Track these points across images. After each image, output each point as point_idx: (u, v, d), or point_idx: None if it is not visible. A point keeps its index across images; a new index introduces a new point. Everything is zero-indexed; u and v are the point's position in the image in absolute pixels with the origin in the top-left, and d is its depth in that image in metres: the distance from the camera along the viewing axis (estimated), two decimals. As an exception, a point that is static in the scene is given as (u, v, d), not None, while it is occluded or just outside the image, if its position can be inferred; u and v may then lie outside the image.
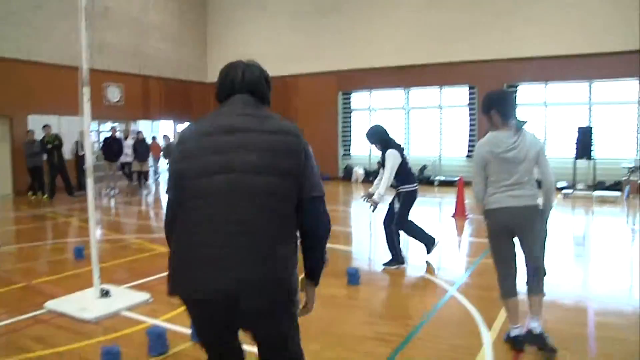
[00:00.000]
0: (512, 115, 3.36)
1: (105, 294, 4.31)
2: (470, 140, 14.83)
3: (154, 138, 16.04)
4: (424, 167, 15.26)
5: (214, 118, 1.91)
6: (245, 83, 1.98)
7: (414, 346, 3.48)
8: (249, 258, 1.69)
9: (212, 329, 1.84)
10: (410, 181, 5.59)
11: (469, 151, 14.82)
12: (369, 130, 5.75)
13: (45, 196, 12.10)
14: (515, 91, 14.06)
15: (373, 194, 5.50)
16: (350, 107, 16.88)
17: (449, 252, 6.64)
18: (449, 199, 11.30)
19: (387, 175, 5.39)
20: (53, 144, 12.23)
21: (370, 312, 4.28)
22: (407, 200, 5.56)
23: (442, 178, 14.73)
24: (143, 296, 4.33)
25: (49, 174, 12.22)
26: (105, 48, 14.98)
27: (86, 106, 4.22)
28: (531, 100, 13.99)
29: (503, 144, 3.27)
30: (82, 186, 13.16)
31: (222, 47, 18.63)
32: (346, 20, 16.23)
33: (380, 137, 5.63)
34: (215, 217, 1.72)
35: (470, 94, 14.88)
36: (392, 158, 5.42)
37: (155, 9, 16.94)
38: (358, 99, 16.83)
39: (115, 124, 15.26)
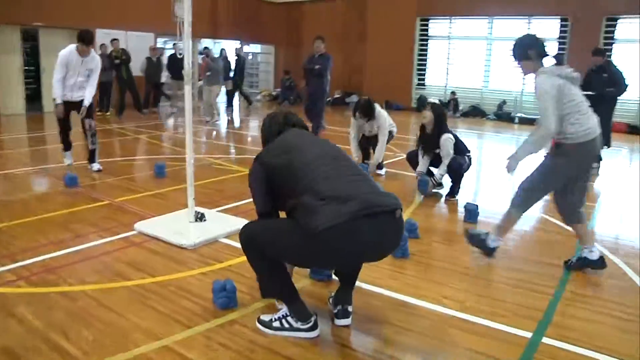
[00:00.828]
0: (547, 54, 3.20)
1: (200, 217, 3.87)
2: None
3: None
4: (503, 103, 14.30)
5: None
6: None
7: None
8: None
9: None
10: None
11: (553, 88, 13.79)
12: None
13: (109, 113, 11.83)
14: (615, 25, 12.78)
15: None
16: (427, 35, 15.79)
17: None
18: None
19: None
20: (121, 58, 11.85)
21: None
22: None
23: (522, 115, 13.74)
24: (240, 222, 3.86)
25: (118, 89, 11.90)
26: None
27: (187, 21, 3.64)
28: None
29: (565, 70, 3.11)
30: (150, 103, 12.99)
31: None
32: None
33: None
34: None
35: (561, 26, 13.59)
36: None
37: None
38: (437, 26, 15.68)
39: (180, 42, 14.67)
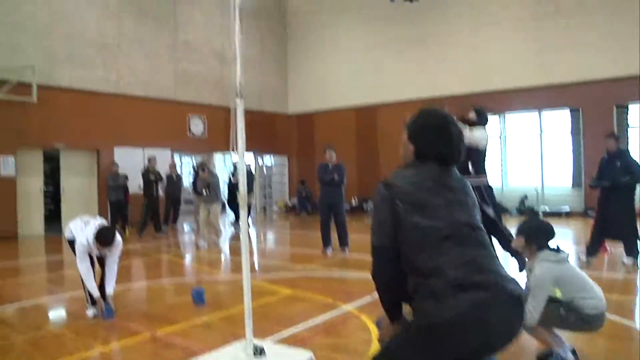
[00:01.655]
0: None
1: (259, 352, 3.51)
2: (574, 168, 13.69)
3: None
4: (524, 198, 14.15)
5: None
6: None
7: None
8: None
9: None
10: None
11: (573, 180, 13.73)
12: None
13: (127, 232, 11.61)
14: (627, 112, 12.92)
15: None
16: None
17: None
18: (561, 231, 10.17)
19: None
20: (156, 177, 11.86)
21: None
22: None
23: (547, 209, 13.53)
24: (304, 354, 3.49)
25: (144, 208, 11.70)
26: (188, 79, 14.89)
27: (241, 141, 3.50)
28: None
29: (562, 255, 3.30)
30: (170, 220, 12.85)
31: (302, 77, 18.35)
32: (432, 46, 15.48)
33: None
34: None
35: (572, 117, 13.73)
36: None
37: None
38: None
39: (200, 157, 14.88)
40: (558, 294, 3.30)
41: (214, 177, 10.19)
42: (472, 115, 5.99)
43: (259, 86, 17.51)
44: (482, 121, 6.00)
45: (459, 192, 1.98)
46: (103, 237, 4.67)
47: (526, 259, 3.65)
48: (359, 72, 16.94)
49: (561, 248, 3.34)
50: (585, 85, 13.00)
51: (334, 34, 17.64)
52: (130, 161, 13.10)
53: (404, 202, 1.89)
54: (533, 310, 3.12)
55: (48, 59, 12.05)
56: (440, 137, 2.00)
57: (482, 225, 1.98)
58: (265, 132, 17.20)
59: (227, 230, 11.97)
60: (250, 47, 17.13)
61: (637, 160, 6.80)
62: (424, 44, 15.64)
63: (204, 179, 9.80)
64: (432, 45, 15.49)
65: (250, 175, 14.25)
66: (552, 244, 3.38)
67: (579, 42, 13.09)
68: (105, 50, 13.22)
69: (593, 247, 6.91)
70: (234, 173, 12.85)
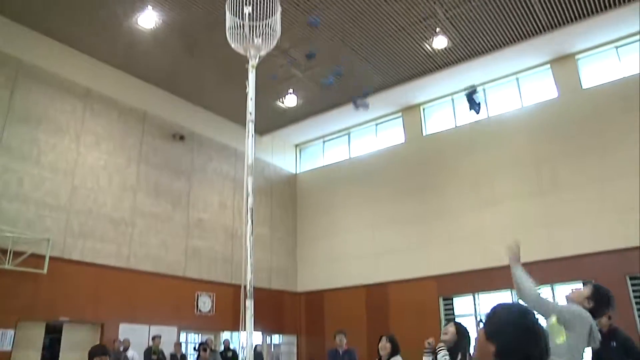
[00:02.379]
0: None
1: None
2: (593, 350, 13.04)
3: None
4: None
5: None
6: None
7: None
8: None
9: None
10: None
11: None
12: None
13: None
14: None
15: None
16: (453, 313, 15.55)
17: None
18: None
19: None
20: (158, 357, 11.46)
21: None
22: None
23: None
24: None
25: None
26: (198, 256, 15.03)
27: (249, 321, 3.55)
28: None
29: None
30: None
31: (311, 255, 18.53)
32: (439, 224, 15.83)
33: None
34: None
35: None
36: None
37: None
38: (462, 304, 15.56)
39: (210, 336, 14.39)
40: None
41: (216, 357, 9.98)
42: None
43: (269, 264, 17.60)
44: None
45: None
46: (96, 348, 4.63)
47: None
48: (367, 250, 17.10)
49: None
50: (595, 256, 12.97)
51: (342, 214, 18.19)
52: (135, 338, 12.65)
53: None
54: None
55: (63, 232, 12.33)
56: (527, 335, 1.83)
57: None
58: (274, 310, 16.86)
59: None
60: (260, 226, 17.57)
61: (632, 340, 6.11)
62: (430, 222, 16.01)
63: (205, 359, 9.63)
64: (439, 222, 15.84)
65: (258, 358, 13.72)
66: None
67: (581, 214, 13.36)
68: (119, 225, 13.58)
69: None
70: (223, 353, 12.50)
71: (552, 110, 14.66)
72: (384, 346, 6.12)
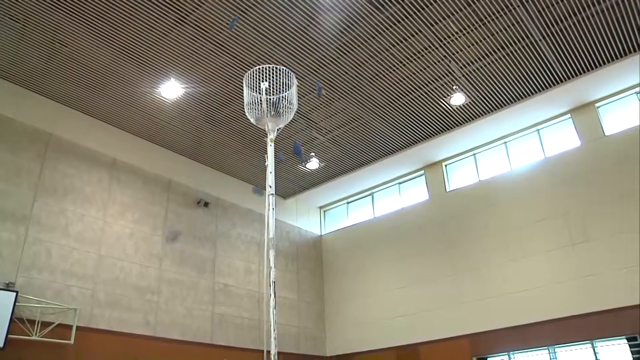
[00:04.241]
0: None
1: None
2: (644, 406, 12.33)
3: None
4: None
5: None
6: None
7: None
8: None
9: None
10: None
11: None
12: None
13: None
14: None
15: None
16: (489, 375, 14.94)
17: None
18: None
19: None
20: None
21: None
22: None
23: None
24: None
25: None
26: (224, 323, 14.87)
27: None
28: None
29: None
30: None
31: (339, 318, 18.20)
32: (469, 281, 15.47)
33: None
34: None
35: (631, 346, 12.83)
36: None
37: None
38: (496, 363, 14.97)
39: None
40: None
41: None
42: None
43: (297, 329, 17.28)
44: None
45: None
46: None
47: None
48: (396, 311, 16.71)
49: None
50: (636, 309, 12.42)
51: (369, 274, 17.93)
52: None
53: None
54: None
55: (90, 301, 12.35)
56: None
57: None
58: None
59: None
60: (287, 290, 17.39)
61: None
62: (459, 279, 15.65)
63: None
64: (468, 279, 15.48)
65: None
66: None
67: (616, 265, 12.91)
68: (145, 294, 13.57)
69: None
70: None
71: (576, 159, 14.51)
72: None
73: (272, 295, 3.64)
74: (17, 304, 10.68)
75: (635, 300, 12.48)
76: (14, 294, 10.72)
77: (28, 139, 12.44)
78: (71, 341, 11.40)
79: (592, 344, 13.37)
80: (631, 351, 12.72)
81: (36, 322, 10.97)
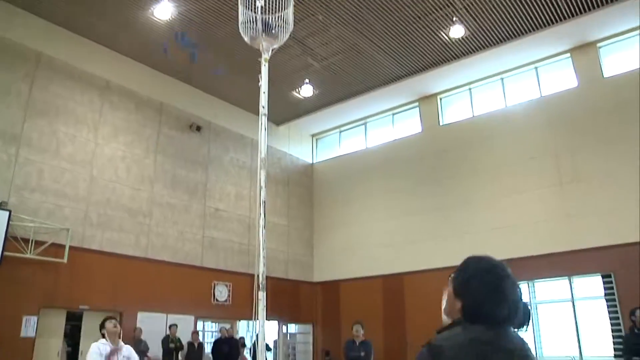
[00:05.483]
0: None
1: None
2: (614, 336, 12.92)
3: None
4: (562, 369, 13.27)
5: None
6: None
7: None
8: None
9: None
10: None
11: (614, 349, 12.87)
12: None
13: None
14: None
15: None
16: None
17: None
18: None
19: None
20: (176, 345, 11.66)
21: None
22: None
23: (590, 382, 12.60)
24: None
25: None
26: (215, 246, 15.15)
27: (261, 311, 3.66)
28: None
29: None
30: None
31: (328, 245, 18.59)
32: (456, 215, 15.74)
33: None
34: None
35: (605, 283, 13.31)
36: None
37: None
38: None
39: (227, 325, 14.52)
40: None
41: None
42: None
43: (285, 254, 17.70)
44: None
45: (518, 357, 1.64)
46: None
47: None
48: (384, 241, 17.08)
49: None
50: (616, 249, 12.80)
51: (359, 204, 18.17)
52: (152, 326, 12.88)
53: None
54: None
55: (82, 222, 12.52)
56: (492, 295, 1.67)
57: None
58: (290, 300, 16.98)
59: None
60: (277, 216, 17.64)
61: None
62: (448, 213, 15.92)
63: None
64: (457, 213, 15.75)
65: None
66: None
67: (601, 206, 13.19)
68: (137, 216, 13.74)
69: None
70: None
71: (572, 100, 14.44)
72: None
73: (262, 215, 3.68)
74: (10, 222, 10.82)
75: (613, 240, 12.86)
76: (7, 212, 10.83)
77: (18, 57, 12.14)
78: (64, 260, 11.64)
79: (570, 280, 13.87)
80: (604, 287, 13.26)
81: (30, 241, 11.15)
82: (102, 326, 5.08)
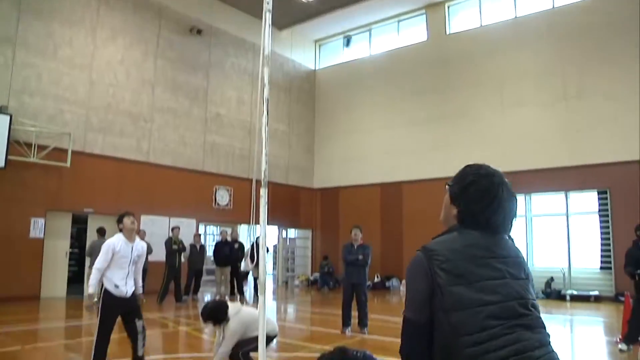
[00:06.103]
0: None
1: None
2: (602, 251, 13.38)
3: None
4: (551, 280, 13.81)
5: None
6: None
7: None
8: None
9: None
10: None
11: (602, 262, 13.38)
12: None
13: (144, 300, 11.53)
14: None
15: None
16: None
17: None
18: (592, 319, 9.83)
19: None
20: (179, 246, 12.05)
21: None
22: None
23: (575, 292, 13.17)
24: None
25: (166, 276, 11.80)
26: (216, 151, 15.24)
27: (263, 207, 3.65)
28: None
29: None
30: (191, 291, 12.81)
31: (328, 153, 18.72)
32: (456, 127, 15.72)
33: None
34: None
35: (600, 199, 13.58)
36: None
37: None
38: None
39: (229, 229, 14.89)
40: None
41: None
42: None
43: (286, 160, 17.88)
44: None
45: (512, 264, 1.65)
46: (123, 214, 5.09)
47: None
48: (383, 150, 17.19)
49: None
50: (614, 166, 12.94)
51: (361, 112, 18.10)
52: (155, 229, 13.29)
53: (445, 271, 1.55)
54: None
55: (83, 127, 12.55)
56: (488, 202, 1.67)
57: (536, 302, 1.65)
58: (290, 205, 17.38)
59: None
60: (278, 122, 17.63)
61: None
62: (448, 124, 15.90)
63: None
64: (457, 125, 15.72)
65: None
66: None
67: (603, 123, 13.17)
68: (138, 120, 13.74)
69: (631, 334, 6.66)
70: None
71: (584, 14, 13.96)
72: None
73: (265, 112, 3.66)
74: (12, 126, 10.85)
75: (612, 158, 12.95)
76: (8, 116, 10.84)
77: (8, -48, 11.61)
78: (67, 164, 11.80)
79: (566, 194, 14.12)
80: (600, 202, 13.54)
81: (33, 145, 11.25)
82: (119, 221, 5.04)
